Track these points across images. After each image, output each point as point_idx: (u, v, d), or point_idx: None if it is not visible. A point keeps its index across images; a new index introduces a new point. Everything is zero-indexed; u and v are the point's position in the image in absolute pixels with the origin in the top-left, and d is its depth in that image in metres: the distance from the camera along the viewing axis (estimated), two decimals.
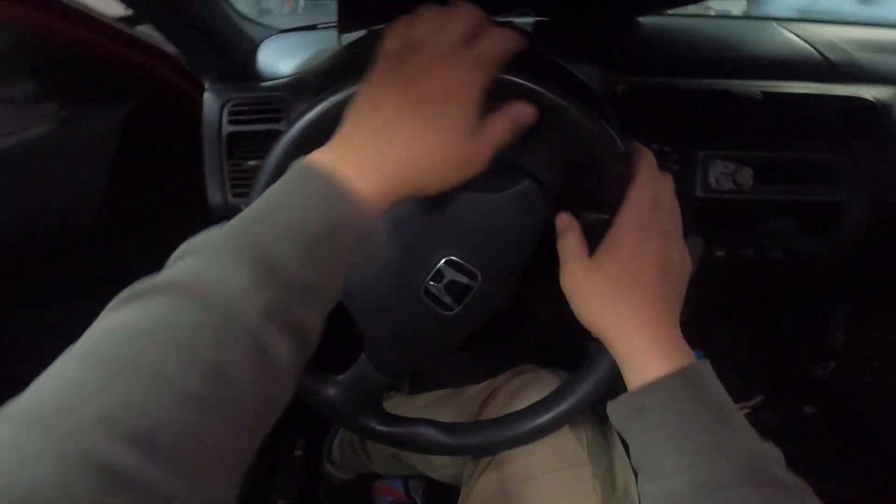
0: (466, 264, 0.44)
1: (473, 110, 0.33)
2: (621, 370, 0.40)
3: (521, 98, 0.37)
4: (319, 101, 0.41)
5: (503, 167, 0.44)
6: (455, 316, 0.45)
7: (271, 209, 0.30)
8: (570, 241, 0.42)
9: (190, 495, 0.22)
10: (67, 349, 0.24)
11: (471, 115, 0.33)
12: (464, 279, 0.44)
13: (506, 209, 0.44)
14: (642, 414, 0.36)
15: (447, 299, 0.45)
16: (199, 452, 0.23)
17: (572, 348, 1.02)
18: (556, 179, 0.44)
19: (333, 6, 0.64)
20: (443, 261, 0.44)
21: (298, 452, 0.94)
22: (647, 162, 0.41)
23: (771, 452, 0.34)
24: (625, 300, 0.38)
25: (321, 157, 0.32)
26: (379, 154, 0.32)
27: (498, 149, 0.35)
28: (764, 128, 0.63)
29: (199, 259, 0.27)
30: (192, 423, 0.23)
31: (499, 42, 0.35)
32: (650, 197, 0.40)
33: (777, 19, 0.86)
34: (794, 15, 0.96)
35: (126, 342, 0.24)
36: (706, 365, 0.37)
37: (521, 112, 0.36)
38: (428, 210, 0.45)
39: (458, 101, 0.33)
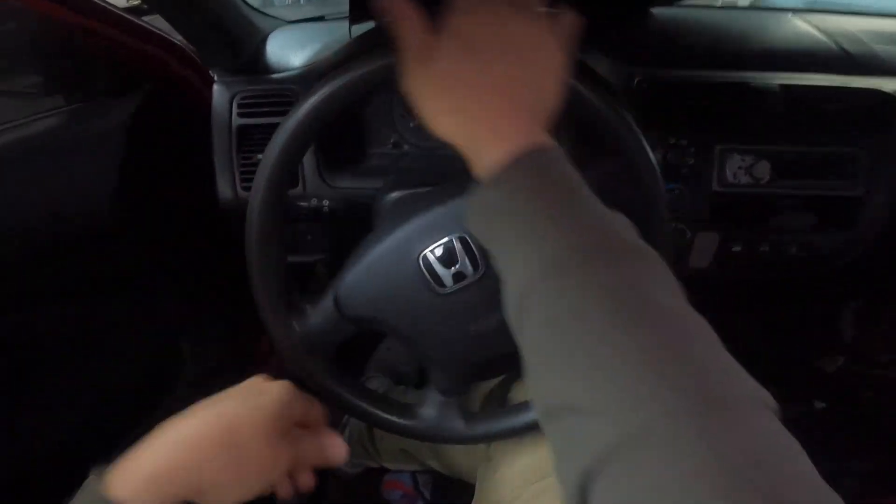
0: (475, 248, 0.43)
1: None
2: (474, 175, 0.33)
3: None
4: (315, 92, 0.41)
5: None
6: (444, 297, 0.45)
7: None
8: (408, 29, 0.34)
9: None
10: None
11: None
12: (466, 263, 0.44)
13: None
14: (490, 214, 0.32)
15: (442, 273, 0.44)
16: None
17: None
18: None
19: None
20: (454, 236, 0.43)
21: None
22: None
23: (618, 220, 0.30)
24: (466, 92, 0.32)
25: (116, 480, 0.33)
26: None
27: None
28: (782, 121, 0.62)
29: None
30: None
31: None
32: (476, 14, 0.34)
33: (792, 10, 0.85)
34: (801, 6, 0.95)
35: None
36: (548, 146, 0.31)
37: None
38: (450, 190, 0.45)
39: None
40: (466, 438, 0.51)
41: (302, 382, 0.47)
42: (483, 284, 0.44)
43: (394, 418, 0.52)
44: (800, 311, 1.10)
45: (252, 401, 0.37)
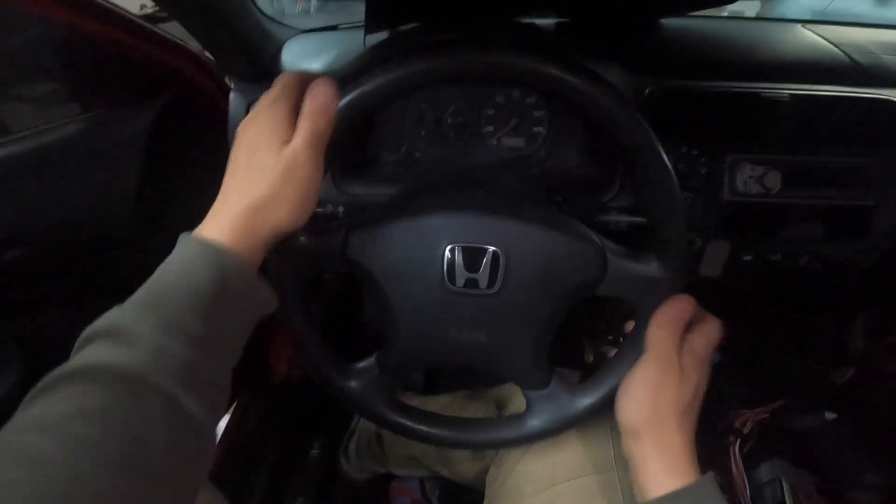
0: (502, 268, 0.44)
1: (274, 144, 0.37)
2: (634, 472, 0.44)
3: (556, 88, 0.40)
4: (346, 94, 0.41)
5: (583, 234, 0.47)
6: (447, 291, 0.45)
7: (163, 280, 0.34)
8: (674, 334, 0.44)
9: None
10: None
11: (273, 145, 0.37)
12: (486, 276, 0.45)
13: (566, 253, 0.45)
14: None
15: (459, 271, 0.45)
16: None
17: (574, 348, 1.02)
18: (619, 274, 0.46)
19: (344, 6, 0.64)
20: (491, 247, 0.44)
21: (315, 452, 0.95)
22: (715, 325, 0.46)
23: None
24: (675, 426, 0.42)
25: (201, 229, 0.37)
26: (244, 220, 0.37)
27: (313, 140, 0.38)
28: (792, 131, 0.63)
29: (102, 342, 0.30)
30: (114, 488, 0.25)
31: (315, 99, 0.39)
32: (716, 334, 0.46)
33: (800, 21, 0.85)
34: (808, 16, 0.95)
35: (37, 437, 0.25)
36: (711, 481, 0.41)
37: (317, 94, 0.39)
38: (495, 203, 0.47)
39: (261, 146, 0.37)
40: (579, 416, 0.51)
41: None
42: (486, 302, 0.45)
43: (485, 436, 0.53)
44: (810, 322, 1.09)
45: (257, 116, 0.39)
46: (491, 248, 0.44)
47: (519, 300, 0.45)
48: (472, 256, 0.44)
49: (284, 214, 0.38)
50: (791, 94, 0.62)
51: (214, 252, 0.34)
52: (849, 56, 0.70)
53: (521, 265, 0.45)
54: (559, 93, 0.42)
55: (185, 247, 0.35)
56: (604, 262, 0.45)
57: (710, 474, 0.41)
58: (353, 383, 0.51)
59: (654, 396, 0.43)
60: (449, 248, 0.44)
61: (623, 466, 0.51)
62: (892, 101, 0.63)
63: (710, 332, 0.45)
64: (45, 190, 0.57)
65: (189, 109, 0.69)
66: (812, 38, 0.77)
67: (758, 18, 1.16)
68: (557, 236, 0.45)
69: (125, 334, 0.30)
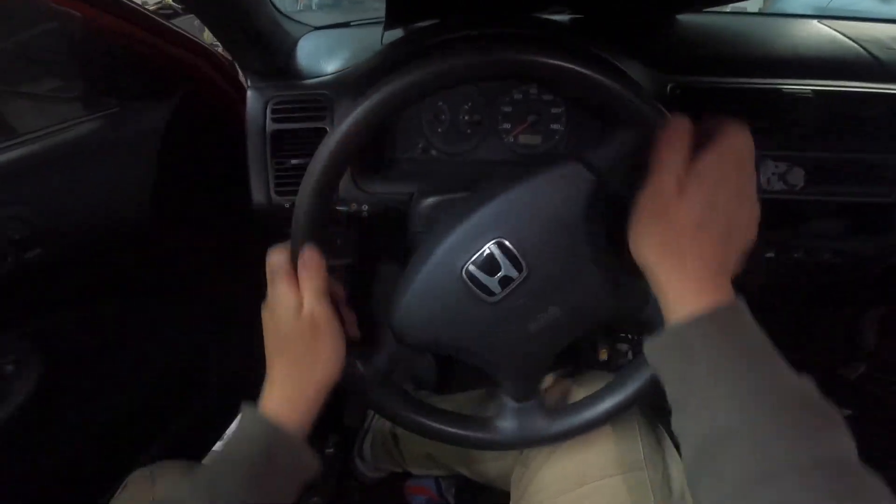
0: (514, 250, 0.44)
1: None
2: (661, 304, 0.39)
3: (569, 80, 0.40)
4: (364, 101, 0.41)
5: (554, 157, 0.45)
6: (495, 304, 0.45)
7: (223, 452, 0.41)
8: (668, 158, 0.38)
9: None
10: None
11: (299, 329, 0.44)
12: (509, 266, 0.44)
13: (549, 190, 0.44)
14: (682, 349, 0.36)
15: (488, 282, 0.44)
16: None
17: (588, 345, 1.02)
18: (605, 162, 0.44)
19: (346, 3, 0.63)
20: (491, 243, 0.44)
21: (330, 451, 0.94)
22: (733, 123, 0.40)
23: (807, 385, 0.34)
24: (689, 244, 0.37)
25: (261, 402, 0.44)
26: (291, 386, 0.44)
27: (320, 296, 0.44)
28: (815, 127, 0.62)
29: None
30: None
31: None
32: (739, 149, 0.39)
33: (815, 17, 0.85)
34: (810, 13, 0.94)
35: None
36: (743, 305, 0.36)
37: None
38: (479, 197, 0.46)
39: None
40: (550, 438, 0.51)
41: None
42: (530, 282, 0.45)
43: (478, 434, 0.52)
44: (820, 318, 1.09)
45: (270, 303, 0.45)
46: (491, 243, 0.44)
47: (552, 256, 0.45)
48: (487, 261, 0.44)
49: (321, 367, 0.44)
50: (814, 91, 0.62)
51: (265, 427, 0.41)
52: (868, 52, 0.70)
53: (525, 232, 0.44)
54: (585, 91, 0.41)
55: (244, 420, 0.42)
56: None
57: (737, 297, 0.36)
58: (510, 423, 0.52)
59: (655, 223, 0.38)
60: (463, 270, 0.45)
61: (653, 466, 0.50)
62: None
63: (721, 140, 0.38)
64: (63, 189, 0.57)
65: (204, 106, 0.69)
66: (830, 34, 0.76)
67: (772, 14, 1.16)
68: (535, 175, 0.45)
69: None
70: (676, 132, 0.39)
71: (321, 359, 0.44)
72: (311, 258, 0.44)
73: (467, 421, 0.53)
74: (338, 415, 1.00)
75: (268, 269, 0.45)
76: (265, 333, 0.46)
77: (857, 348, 1.06)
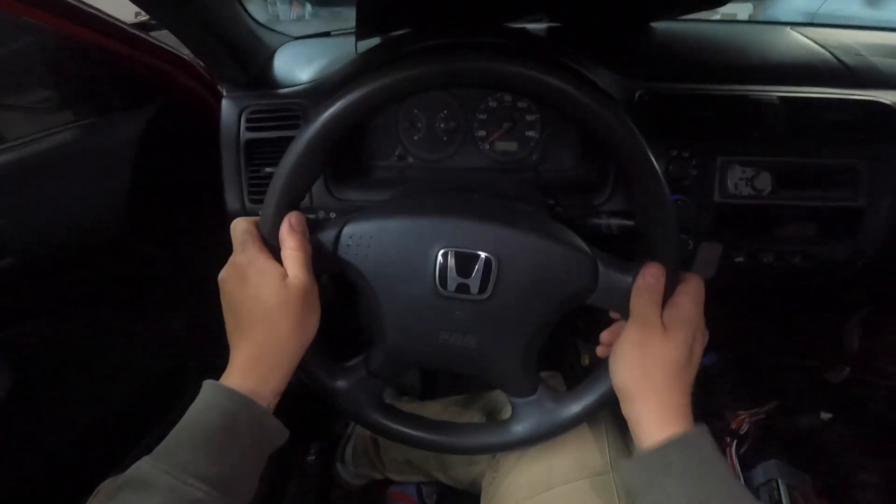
0: (495, 273, 0.44)
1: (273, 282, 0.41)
2: (632, 424, 0.44)
3: (527, 87, 0.41)
4: (331, 104, 0.42)
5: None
6: (438, 296, 0.45)
7: (183, 423, 0.38)
8: (652, 299, 0.43)
9: None
10: None
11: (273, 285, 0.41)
12: (477, 281, 0.44)
13: (562, 263, 0.45)
14: (663, 467, 0.40)
15: (451, 275, 0.45)
16: None
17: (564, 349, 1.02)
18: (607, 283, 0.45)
19: (339, 12, 0.64)
20: (484, 253, 0.44)
21: (311, 458, 0.94)
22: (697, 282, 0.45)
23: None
24: (672, 380, 0.43)
25: (226, 374, 0.41)
26: (262, 358, 0.42)
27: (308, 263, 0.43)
28: (782, 133, 0.63)
29: (124, 493, 0.35)
30: None
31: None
32: (702, 293, 0.45)
33: (790, 24, 0.86)
34: (800, 18, 0.96)
35: None
36: (705, 428, 0.42)
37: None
38: (488, 208, 0.47)
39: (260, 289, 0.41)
40: (570, 421, 0.50)
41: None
42: (476, 308, 0.45)
43: (496, 440, 0.52)
44: (805, 322, 1.10)
45: (238, 267, 0.43)
46: (483, 255, 0.44)
47: (509, 307, 0.45)
48: (465, 262, 0.44)
49: (302, 339, 0.43)
50: (780, 97, 0.63)
51: (228, 396, 0.39)
52: (837, 58, 0.71)
53: (512, 272, 0.44)
54: (548, 98, 0.42)
55: (206, 392, 0.40)
56: (595, 273, 0.45)
57: (703, 426, 0.41)
58: (341, 383, 0.51)
59: (640, 356, 0.43)
60: (442, 252, 0.44)
61: (618, 470, 0.51)
62: (880, 103, 0.64)
63: (691, 289, 0.44)
64: (37, 198, 0.57)
65: (181, 116, 0.70)
66: (801, 41, 0.78)
67: (747, 21, 1.17)
68: (550, 245, 0.44)
69: (142, 482, 0.35)
70: (655, 277, 0.43)
71: (306, 330, 0.43)
72: (298, 223, 0.42)
73: (450, 428, 0.53)
74: (320, 423, 1.00)
75: (236, 235, 0.43)
76: (229, 303, 0.42)
77: (842, 352, 1.06)
